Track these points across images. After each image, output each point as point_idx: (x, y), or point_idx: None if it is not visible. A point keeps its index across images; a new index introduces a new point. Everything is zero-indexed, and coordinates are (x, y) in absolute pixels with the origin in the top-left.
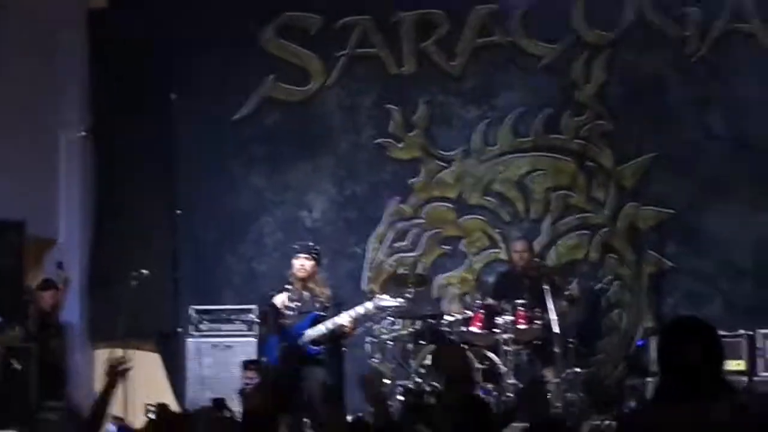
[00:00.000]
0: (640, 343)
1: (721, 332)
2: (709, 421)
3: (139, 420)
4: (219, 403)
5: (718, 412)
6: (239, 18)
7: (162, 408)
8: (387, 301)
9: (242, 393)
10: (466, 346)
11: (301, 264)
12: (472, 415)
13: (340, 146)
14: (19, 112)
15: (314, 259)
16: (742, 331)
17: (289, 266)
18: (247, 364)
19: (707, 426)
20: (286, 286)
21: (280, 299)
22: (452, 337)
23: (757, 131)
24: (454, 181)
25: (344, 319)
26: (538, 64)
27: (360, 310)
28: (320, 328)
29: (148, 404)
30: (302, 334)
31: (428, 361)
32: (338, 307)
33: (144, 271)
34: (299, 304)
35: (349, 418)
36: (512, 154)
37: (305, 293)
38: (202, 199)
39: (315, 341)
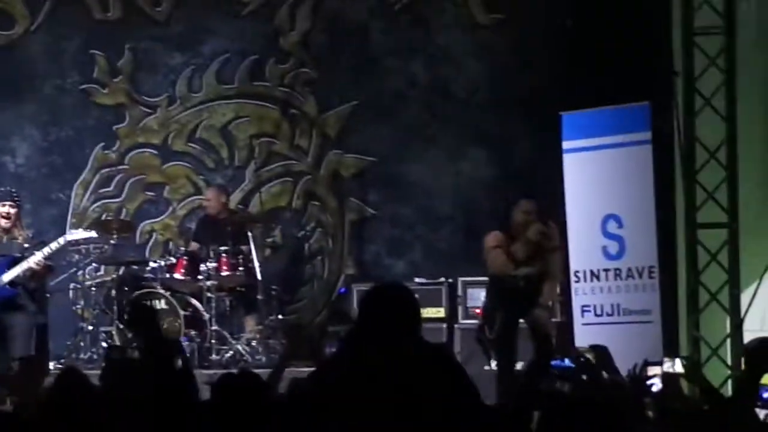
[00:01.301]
0: (342, 290)
1: (422, 279)
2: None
3: None
4: None
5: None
6: None
7: None
8: (76, 234)
9: None
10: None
11: (7, 212)
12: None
13: (44, 91)
14: None
15: (17, 206)
16: (442, 279)
17: None
18: None
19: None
20: None
21: None
22: (155, 283)
23: (458, 80)
24: (159, 128)
25: (36, 257)
26: (244, 10)
27: (52, 246)
28: (16, 270)
29: None
30: (1, 278)
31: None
32: (38, 248)
33: None
34: None
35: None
36: (217, 101)
37: (4, 238)
38: None
39: (12, 283)
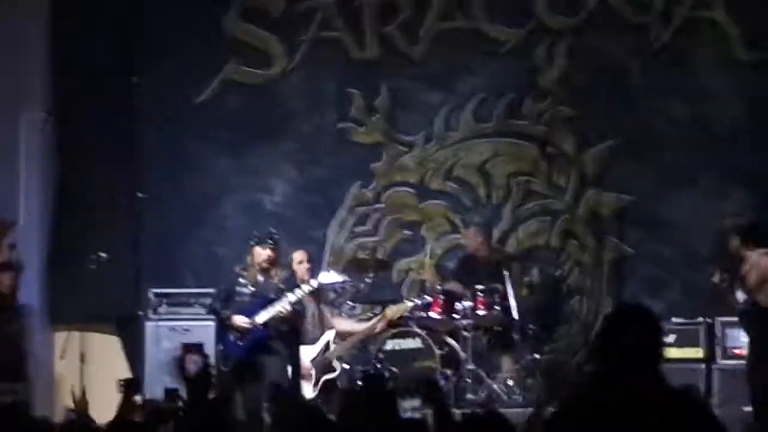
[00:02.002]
0: None
1: (680, 320)
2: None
3: (99, 405)
4: (172, 393)
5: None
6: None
7: (130, 382)
8: (327, 277)
9: (186, 377)
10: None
11: (268, 255)
12: None
13: (301, 130)
14: None
15: (277, 247)
16: (701, 319)
17: (247, 251)
18: (190, 348)
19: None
20: (242, 272)
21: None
22: (411, 322)
23: (719, 119)
24: (416, 166)
25: (284, 302)
26: (501, 49)
27: (303, 289)
28: (269, 311)
29: (120, 380)
30: (255, 318)
31: (388, 347)
32: (291, 291)
33: (103, 254)
34: (254, 289)
35: None
36: (474, 139)
37: (260, 278)
38: (164, 183)
39: (266, 324)
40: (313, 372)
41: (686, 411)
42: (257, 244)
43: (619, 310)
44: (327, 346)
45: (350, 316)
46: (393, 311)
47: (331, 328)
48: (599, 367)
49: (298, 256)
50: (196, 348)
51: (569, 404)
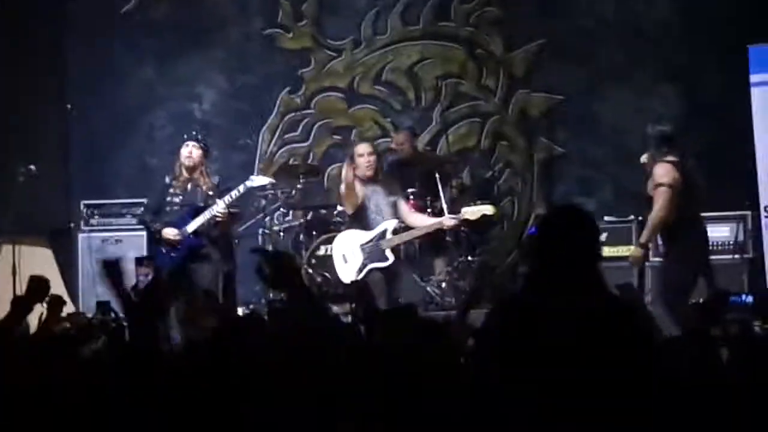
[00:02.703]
0: (532, 230)
1: (612, 218)
2: (577, 314)
3: (31, 316)
4: (103, 306)
5: (586, 305)
6: None
7: (55, 299)
8: (257, 180)
9: (135, 289)
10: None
11: (189, 152)
12: None
13: (229, 38)
14: None
15: (202, 148)
16: (632, 217)
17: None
18: (141, 261)
19: (575, 318)
20: (171, 182)
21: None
22: (343, 227)
23: (647, 16)
24: (345, 71)
25: (218, 206)
26: None
27: (233, 194)
28: (199, 219)
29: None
30: (185, 228)
31: (320, 252)
32: (221, 196)
33: (32, 167)
34: (182, 197)
35: (240, 310)
36: (402, 42)
37: (189, 185)
38: (92, 94)
39: (196, 233)
40: (360, 257)
41: (622, 313)
42: (184, 141)
43: (554, 211)
44: (383, 234)
45: (282, 224)
46: (472, 212)
47: (398, 218)
48: (534, 269)
49: (362, 149)
50: (147, 260)
51: (504, 306)
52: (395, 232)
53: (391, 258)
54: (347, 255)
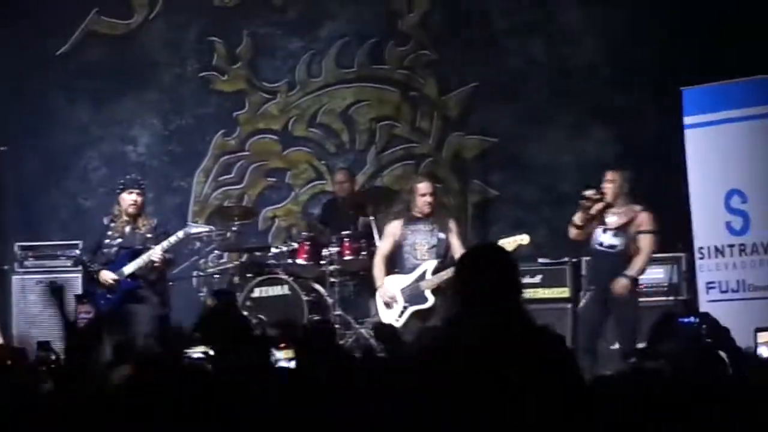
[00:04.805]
0: None
1: (546, 260)
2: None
3: None
4: (44, 345)
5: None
6: None
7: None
8: (195, 228)
9: (74, 327)
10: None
11: (134, 200)
12: None
13: (164, 80)
14: None
15: (143, 194)
16: (566, 259)
17: (115, 201)
18: (81, 298)
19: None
20: (110, 223)
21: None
22: (277, 269)
23: (578, 60)
24: (279, 113)
25: (156, 251)
26: None
27: (171, 240)
28: (137, 262)
29: None
30: (122, 270)
31: (255, 294)
32: (159, 239)
33: None
34: (121, 240)
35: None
36: (336, 85)
37: (128, 228)
38: (25, 135)
39: (133, 275)
40: (400, 300)
41: (543, 347)
42: (123, 190)
43: (470, 251)
44: (423, 276)
45: (217, 266)
46: (509, 243)
47: (439, 256)
48: (458, 310)
49: (423, 188)
50: (86, 299)
51: (432, 347)
52: (435, 271)
53: (431, 299)
54: (389, 302)
